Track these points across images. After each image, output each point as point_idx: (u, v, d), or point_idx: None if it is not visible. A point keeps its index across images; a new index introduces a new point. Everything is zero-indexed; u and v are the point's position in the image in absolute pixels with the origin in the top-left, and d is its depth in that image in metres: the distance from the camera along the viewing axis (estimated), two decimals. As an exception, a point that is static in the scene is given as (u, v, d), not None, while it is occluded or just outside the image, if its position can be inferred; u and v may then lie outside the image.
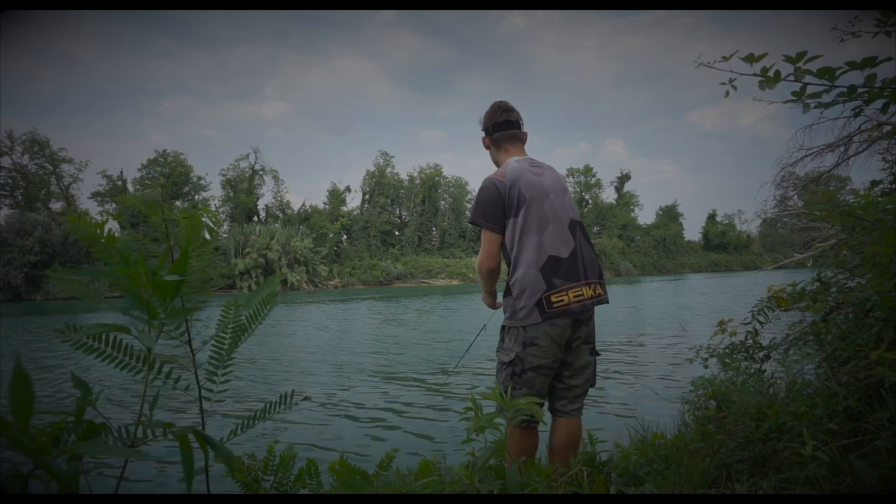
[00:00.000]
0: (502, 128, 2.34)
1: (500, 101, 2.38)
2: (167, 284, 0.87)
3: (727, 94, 1.62)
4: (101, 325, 0.91)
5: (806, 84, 1.39)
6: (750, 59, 1.43)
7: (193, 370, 0.99)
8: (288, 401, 1.13)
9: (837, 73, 1.35)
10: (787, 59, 1.39)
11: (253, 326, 1.08)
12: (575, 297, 2.10)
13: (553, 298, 2.08)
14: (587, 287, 2.15)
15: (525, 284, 2.11)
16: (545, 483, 1.50)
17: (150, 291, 0.91)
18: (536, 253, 2.11)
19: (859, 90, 1.37)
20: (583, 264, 2.17)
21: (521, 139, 2.37)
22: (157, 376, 0.95)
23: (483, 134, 2.42)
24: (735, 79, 1.57)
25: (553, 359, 2.11)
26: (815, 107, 1.45)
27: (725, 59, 1.53)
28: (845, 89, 1.38)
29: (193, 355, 0.98)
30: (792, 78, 1.41)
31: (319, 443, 5.30)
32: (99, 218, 0.97)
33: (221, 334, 1.05)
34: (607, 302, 2.26)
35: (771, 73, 1.43)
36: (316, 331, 15.87)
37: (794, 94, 1.43)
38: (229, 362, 1.06)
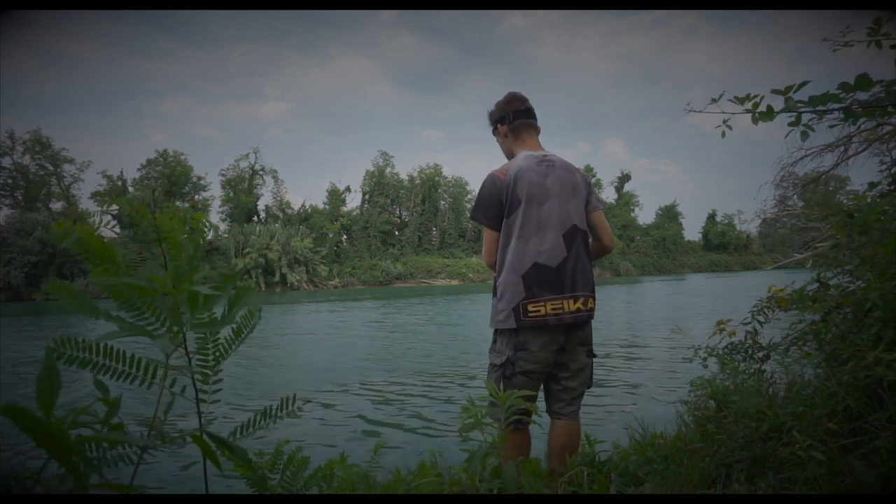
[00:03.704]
0: (524, 115, 2.29)
1: (516, 92, 2.34)
2: (201, 295, 0.87)
3: (723, 134, 1.64)
4: (116, 329, 0.88)
5: (800, 113, 1.39)
6: (740, 100, 1.45)
7: (190, 375, 0.99)
8: (290, 406, 1.13)
9: (830, 98, 1.35)
10: (776, 91, 1.40)
11: (241, 338, 1.07)
12: (553, 309, 2.05)
13: (530, 308, 2.04)
14: (570, 300, 2.07)
15: (506, 289, 2.09)
16: (546, 483, 1.50)
17: (178, 300, 0.90)
18: (521, 258, 2.08)
19: (855, 109, 1.37)
20: (571, 276, 2.09)
21: (537, 130, 2.33)
22: (167, 386, 0.95)
23: (495, 125, 2.34)
24: (728, 119, 1.58)
25: (544, 364, 2.10)
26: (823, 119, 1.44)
27: (714, 100, 1.54)
28: (842, 114, 1.37)
29: (190, 360, 0.98)
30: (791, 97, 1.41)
31: (318, 443, 5.30)
32: (98, 216, 0.96)
33: (206, 345, 1.05)
34: (591, 318, 2.16)
35: (763, 107, 1.44)
36: (315, 333, 15.87)
37: (790, 124, 1.43)
38: (219, 367, 1.06)
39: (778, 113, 1.40)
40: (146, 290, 0.88)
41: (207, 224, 1.01)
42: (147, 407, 0.90)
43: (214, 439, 0.89)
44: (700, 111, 1.60)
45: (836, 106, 1.35)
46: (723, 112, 1.55)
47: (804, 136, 1.44)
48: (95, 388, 0.89)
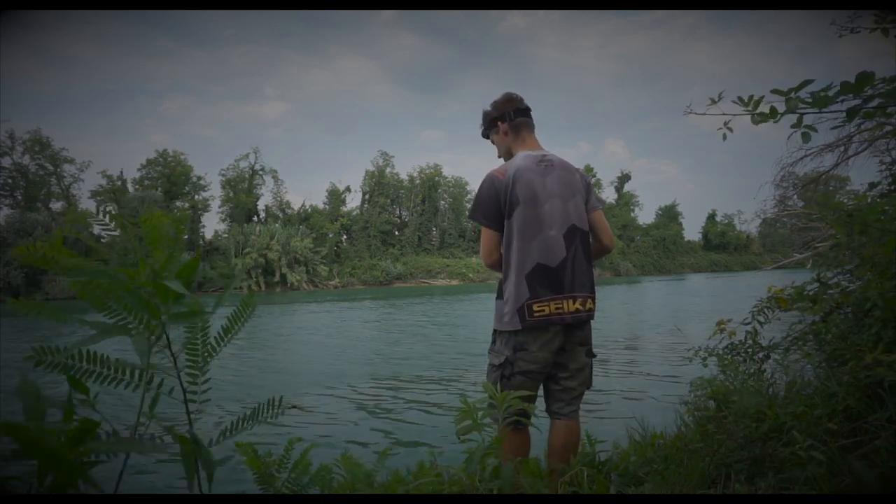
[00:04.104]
0: (524, 114, 2.29)
1: (512, 92, 2.34)
2: (167, 288, 0.87)
3: (724, 136, 1.64)
4: (95, 333, 0.88)
5: (802, 114, 1.39)
6: (744, 102, 1.44)
7: (176, 374, 0.98)
8: (277, 408, 1.12)
9: (832, 93, 1.34)
10: (776, 92, 1.40)
11: (233, 330, 1.06)
12: (555, 309, 2.06)
13: (535, 308, 2.05)
14: (570, 300, 2.08)
15: (511, 290, 2.09)
16: (545, 483, 1.50)
17: (150, 293, 0.90)
18: (525, 259, 2.08)
19: (862, 109, 1.35)
20: (571, 276, 2.10)
21: (533, 129, 2.32)
22: (149, 386, 0.94)
23: (493, 124, 2.32)
24: (729, 121, 1.58)
25: (543, 364, 2.10)
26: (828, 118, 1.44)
27: (714, 101, 1.54)
28: (844, 113, 1.37)
29: (174, 359, 0.97)
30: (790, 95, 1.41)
31: (319, 444, 5.30)
32: (98, 216, 0.96)
33: (194, 339, 1.04)
34: (591, 318, 2.17)
35: (764, 108, 1.43)
36: (315, 334, 15.87)
37: (792, 126, 1.42)
38: (206, 367, 1.05)
39: (781, 115, 1.40)
40: (112, 281, 0.87)
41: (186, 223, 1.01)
42: (130, 411, 0.89)
43: (185, 441, 0.88)
44: (700, 113, 1.59)
45: (839, 107, 1.34)
46: (723, 114, 1.55)
47: (806, 137, 1.43)
48: (71, 386, 0.88)
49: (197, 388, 1.03)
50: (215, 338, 1.06)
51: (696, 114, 1.64)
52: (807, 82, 1.38)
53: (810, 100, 1.33)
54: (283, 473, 1.80)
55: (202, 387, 1.04)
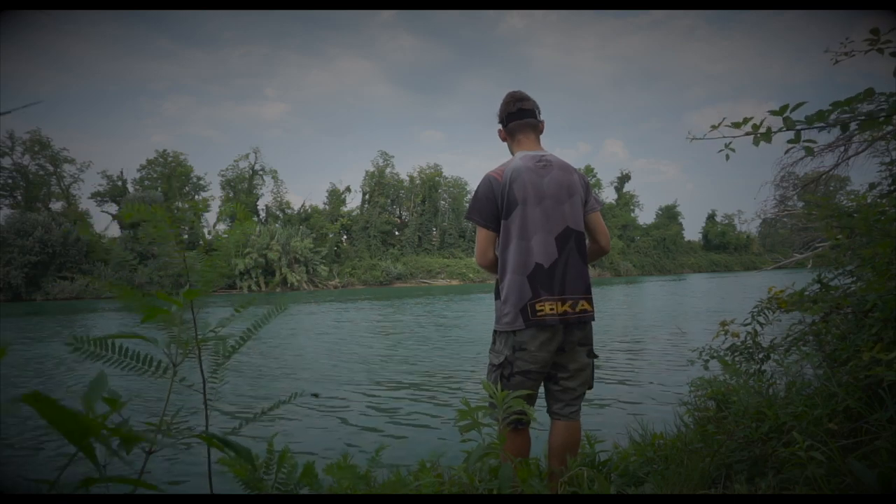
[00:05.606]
0: (516, 117, 2.28)
1: (514, 91, 2.34)
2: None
3: (727, 157, 1.68)
4: (124, 334, 0.94)
5: (800, 130, 1.45)
6: (738, 124, 1.52)
7: (199, 368, 1.00)
8: (296, 398, 1.16)
9: (827, 114, 1.43)
10: (773, 112, 1.46)
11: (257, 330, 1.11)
12: (550, 309, 2.07)
13: (537, 307, 2.06)
14: (559, 303, 2.08)
15: (511, 290, 2.09)
16: (545, 483, 1.50)
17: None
18: (524, 259, 2.08)
19: (852, 124, 1.42)
20: (562, 278, 2.10)
21: (535, 129, 2.30)
22: (173, 377, 0.96)
23: (499, 128, 2.35)
24: (730, 142, 1.62)
25: (542, 364, 2.10)
26: (820, 143, 1.52)
27: (714, 127, 1.59)
28: (839, 129, 1.44)
29: (199, 353, 0.99)
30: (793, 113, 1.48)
31: (321, 446, 5.30)
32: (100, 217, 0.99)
33: (220, 336, 1.07)
34: (592, 319, 2.16)
35: (762, 129, 1.51)
36: (316, 335, 15.88)
37: (789, 141, 1.50)
38: (225, 363, 1.08)
39: (777, 131, 1.46)
40: (164, 310, 0.95)
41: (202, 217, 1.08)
42: (153, 416, 0.91)
43: (219, 440, 0.89)
44: (701, 138, 1.63)
45: (834, 115, 1.38)
46: (724, 137, 1.59)
47: (809, 150, 1.49)
48: (105, 401, 0.92)
49: (216, 384, 1.07)
50: (238, 339, 1.10)
51: (697, 139, 1.68)
52: (800, 104, 1.46)
53: (804, 121, 1.40)
54: (270, 476, 1.80)
55: (220, 385, 1.07)
